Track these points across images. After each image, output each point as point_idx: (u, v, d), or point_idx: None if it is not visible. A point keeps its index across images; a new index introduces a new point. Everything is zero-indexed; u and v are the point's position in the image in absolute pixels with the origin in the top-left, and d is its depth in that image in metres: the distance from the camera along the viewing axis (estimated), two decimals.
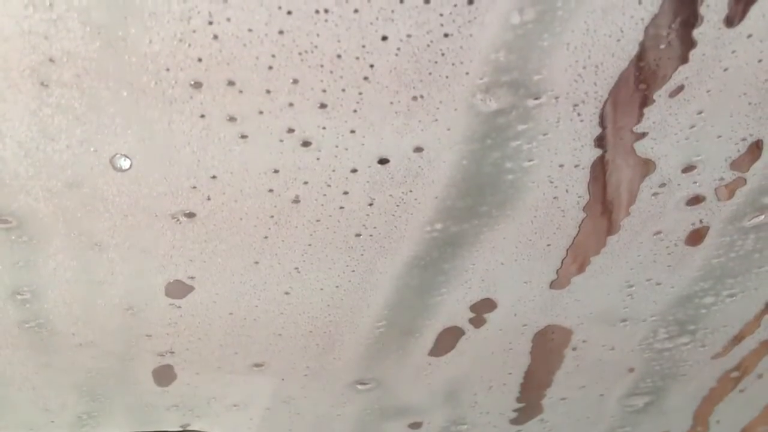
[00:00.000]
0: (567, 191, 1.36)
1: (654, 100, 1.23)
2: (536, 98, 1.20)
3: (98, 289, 1.43)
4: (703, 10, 1.12)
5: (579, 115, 1.24)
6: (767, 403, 2.02)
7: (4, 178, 1.23)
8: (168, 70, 1.10)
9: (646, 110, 1.25)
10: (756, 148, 1.35)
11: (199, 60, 1.10)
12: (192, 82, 1.12)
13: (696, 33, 1.15)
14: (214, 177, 1.26)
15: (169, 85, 1.12)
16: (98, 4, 1.03)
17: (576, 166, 1.32)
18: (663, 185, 1.38)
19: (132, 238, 1.34)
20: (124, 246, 1.35)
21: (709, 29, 1.15)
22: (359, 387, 1.74)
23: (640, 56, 1.17)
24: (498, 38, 1.11)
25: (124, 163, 1.22)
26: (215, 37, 1.07)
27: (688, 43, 1.17)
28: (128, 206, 1.28)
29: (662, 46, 1.15)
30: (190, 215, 1.31)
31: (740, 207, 1.45)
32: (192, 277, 1.43)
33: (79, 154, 1.21)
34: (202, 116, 1.17)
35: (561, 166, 1.31)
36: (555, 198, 1.37)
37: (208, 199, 1.29)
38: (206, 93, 1.14)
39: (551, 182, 1.34)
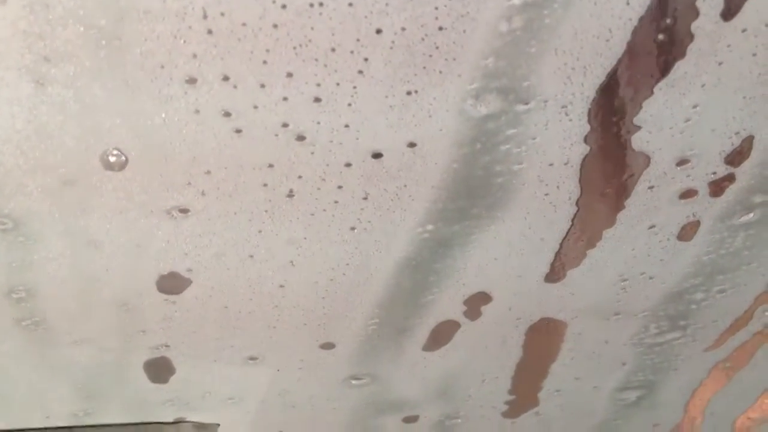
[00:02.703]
0: (558, 188, 1.36)
1: (653, 93, 1.23)
2: (525, 103, 1.20)
3: (93, 285, 1.42)
4: (699, 3, 1.13)
5: (567, 115, 1.24)
6: (760, 394, 2.03)
7: (1, 179, 1.22)
8: (163, 67, 1.10)
9: (644, 103, 1.25)
10: (747, 145, 1.35)
11: (194, 56, 1.09)
12: (186, 78, 1.12)
13: (693, 26, 1.15)
14: (208, 172, 1.25)
15: (164, 83, 1.12)
16: (94, 3, 1.03)
17: (566, 163, 1.32)
18: (658, 179, 1.38)
19: (127, 234, 1.33)
20: (119, 242, 1.34)
21: (706, 23, 1.15)
22: (353, 382, 1.74)
23: (631, 52, 1.17)
24: (488, 44, 1.11)
25: (119, 160, 1.22)
26: (209, 32, 1.07)
27: (686, 38, 1.17)
28: (123, 203, 1.28)
29: (660, 38, 1.16)
30: (185, 210, 1.31)
31: (730, 205, 1.46)
32: (187, 271, 1.42)
33: (74, 152, 1.20)
34: (197, 112, 1.16)
35: (551, 164, 1.32)
36: (546, 195, 1.37)
37: (203, 194, 1.28)
38: (201, 88, 1.13)
39: (541, 181, 1.34)
